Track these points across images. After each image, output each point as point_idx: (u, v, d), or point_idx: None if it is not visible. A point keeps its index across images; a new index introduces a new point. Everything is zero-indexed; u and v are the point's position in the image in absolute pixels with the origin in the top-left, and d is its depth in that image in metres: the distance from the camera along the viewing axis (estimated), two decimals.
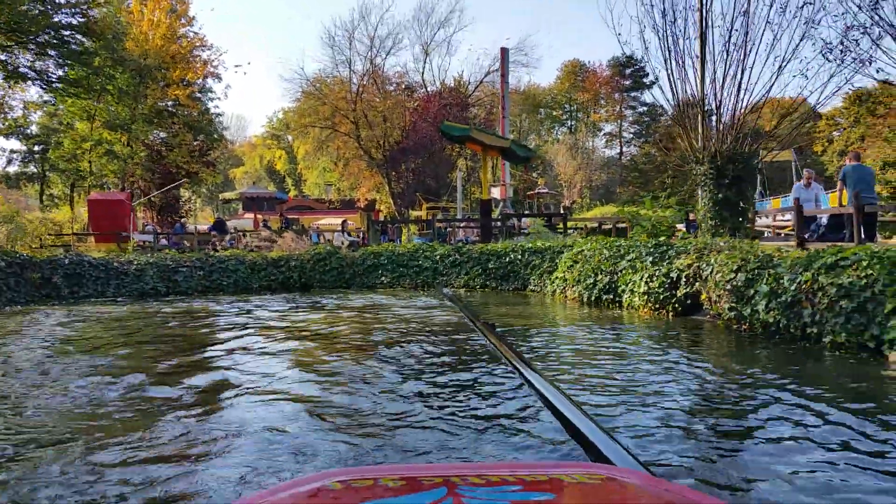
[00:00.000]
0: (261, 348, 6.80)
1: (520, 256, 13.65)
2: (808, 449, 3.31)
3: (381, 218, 35.59)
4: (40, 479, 2.98)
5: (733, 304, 7.59)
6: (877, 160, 30.01)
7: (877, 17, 10.70)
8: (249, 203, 41.31)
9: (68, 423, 3.93)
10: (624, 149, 61.03)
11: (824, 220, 10.28)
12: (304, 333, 7.89)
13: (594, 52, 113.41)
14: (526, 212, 27.87)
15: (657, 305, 9.15)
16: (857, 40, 11.13)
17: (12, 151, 49.80)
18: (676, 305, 8.91)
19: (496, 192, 31.84)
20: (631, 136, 61.04)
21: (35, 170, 51.64)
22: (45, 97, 32.87)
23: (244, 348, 6.78)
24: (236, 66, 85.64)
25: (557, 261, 12.47)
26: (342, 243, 17.79)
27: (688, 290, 8.75)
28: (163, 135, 38.48)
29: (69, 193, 51.66)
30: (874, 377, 5.03)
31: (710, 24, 11.28)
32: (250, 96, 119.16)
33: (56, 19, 25.89)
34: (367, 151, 40.44)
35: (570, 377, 5.17)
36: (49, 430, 3.81)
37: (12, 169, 51.35)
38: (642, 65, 52.04)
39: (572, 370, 5.50)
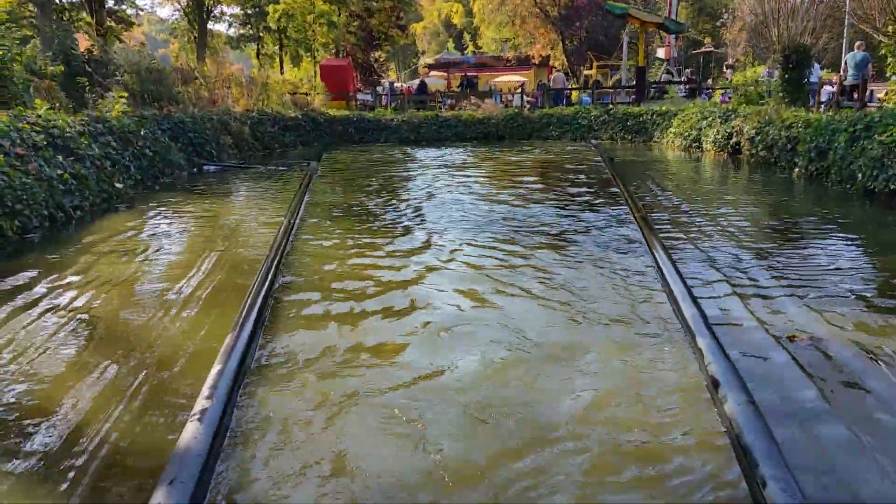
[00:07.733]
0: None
1: (649, 117, 20.80)
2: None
3: (554, 74, 42.30)
4: None
5: (747, 147, 14.73)
6: None
7: None
8: (437, 65, 49.81)
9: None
10: None
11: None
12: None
13: None
14: (673, 79, 33.90)
15: (719, 149, 16.30)
16: None
17: (232, 16, 61.94)
18: (729, 149, 16.00)
19: (661, 52, 37.38)
20: None
21: (251, 31, 63.77)
22: None
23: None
24: None
25: (673, 120, 19.55)
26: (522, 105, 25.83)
27: (736, 140, 15.79)
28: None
29: (279, 52, 63.67)
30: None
31: None
32: None
33: None
34: (542, 9, 46.47)
35: (657, 183, 13.09)
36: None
37: (232, 32, 63.98)
38: None
39: (664, 180, 13.39)
